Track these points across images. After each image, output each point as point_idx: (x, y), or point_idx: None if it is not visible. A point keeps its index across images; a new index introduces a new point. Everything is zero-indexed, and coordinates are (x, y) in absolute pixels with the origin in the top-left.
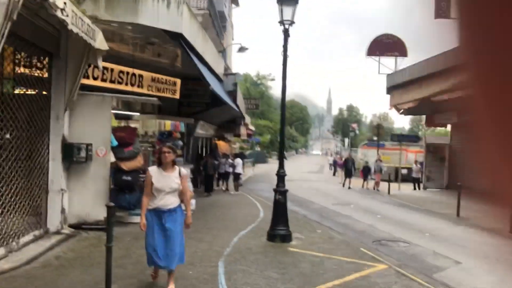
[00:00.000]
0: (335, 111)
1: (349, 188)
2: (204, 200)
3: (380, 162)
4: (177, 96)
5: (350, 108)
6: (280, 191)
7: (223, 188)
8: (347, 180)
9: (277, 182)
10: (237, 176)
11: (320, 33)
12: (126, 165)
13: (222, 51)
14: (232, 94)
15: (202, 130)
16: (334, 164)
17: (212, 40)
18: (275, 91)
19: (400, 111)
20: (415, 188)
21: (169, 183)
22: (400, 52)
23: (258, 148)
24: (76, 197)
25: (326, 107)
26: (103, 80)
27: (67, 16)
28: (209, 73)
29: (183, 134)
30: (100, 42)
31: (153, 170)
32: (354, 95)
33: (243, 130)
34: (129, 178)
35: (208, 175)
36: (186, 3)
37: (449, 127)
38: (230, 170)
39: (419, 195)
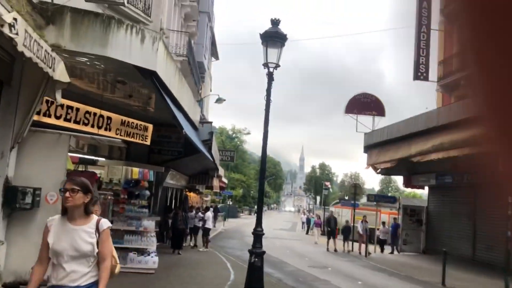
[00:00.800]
0: (307, 169)
1: (335, 251)
2: (169, 258)
3: (366, 222)
4: (147, 142)
5: (323, 166)
6: (257, 253)
7: (191, 244)
8: (331, 241)
9: (254, 241)
10: (206, 232)
11: (294, 94)
12: None
13: (199, 101)
14: (207, 144)
15: (173, 180)
16: (307, 223)
17: (189, 88)
18: (250, 146)
19: (378, 171)
20: (382, 251)
21: (74, 242)
22: (378, 112)
23: (230, 202)
24: (16, 251)
25: (299, 164)
26: (67, 119)
27: (17, 34)
28: (184, 119)
29: (152, 184)
30: (60, 73)
31: (54, 221)
32: (327, 153)
33: (216, 182)
34: None
35: (176, 230)
36: (163, 40)
37: (426, 189)
38: (200, 224)
39: (396, 259)
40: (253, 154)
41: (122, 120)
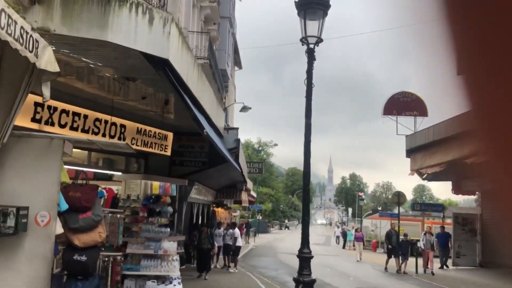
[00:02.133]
0: (336, 180)
1: (398, 272)
2: (194, 284)
3: (431, 235)
4: (168, 153)
5: (353, 177)
6: (305, 282)
7: (219, 266)
8: (392, 260)
9: (300, 266)
10: (236, 251)
11: (317, 104)
12: (79, 239)
13: (224, 110)
14: (234, 152)
15: (198, 194)
16: (343, 236)
17: (211, 89)
18: (276, 159)
19: (423, 176)
20: (426, 265)
21: None
22: (419, 111)
23: (259, 217)
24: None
25: (327, 176)
26: (73, 128)
27: None
28: (206, 122)
29: (175, 199)
30: (47, 61)
31: None
32: (355, 164)
33: (244, 196)
34: (83, 258)
35: (201, 250)
36: (176, 23)
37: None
38: (231, 242)
39: (453, 275)
40: (279, 167)
41: (138, 128)
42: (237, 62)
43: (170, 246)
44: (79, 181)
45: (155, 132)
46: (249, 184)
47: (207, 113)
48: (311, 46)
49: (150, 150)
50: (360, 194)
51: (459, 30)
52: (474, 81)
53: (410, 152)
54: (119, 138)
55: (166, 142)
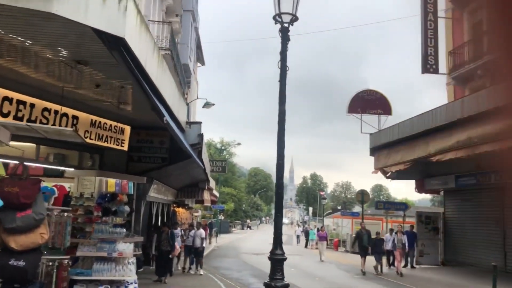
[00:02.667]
0: (297, 180)
1: (378, 272)
2: None
3: (402, 234)
4: (125, 147)
5: (314, 177)
6: (278, 287)
7: (180, 268)
8: (365, 260)
9: (272, 270)
10: (199, 252)
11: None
12: (17, 241)
13: (186, 105)
14: (197, 148)
15: (158, 193)
16: (306, 235)
17: (173, 79)
18: (239, 159)
19: (387, 175)
20: (389, 264)
21: None
22: (383, 110)
23: (221, 217)
24: None
25: (289, 176)
26: (18, 118)
27: None
28: (167, 114)
29: (132, 198)
30: None
31: None
32: (316, 164)
33: (207, 196)
34: (21, 263)
35: (160, 252)
36: (134, 0)
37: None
38: (197, 243)
39: (419, 275)
40: (242, 168)
41: (92, 120)
42: (200, 58)
43: (126, 247)
44: (21, 175)
45: (110, 125)
46: (212, 183)
47: (167, 104)
48: (285, 24)
49: (105, 144)
50: (321, 193)
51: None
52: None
53: (374, 151)
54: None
55: (123, 136)
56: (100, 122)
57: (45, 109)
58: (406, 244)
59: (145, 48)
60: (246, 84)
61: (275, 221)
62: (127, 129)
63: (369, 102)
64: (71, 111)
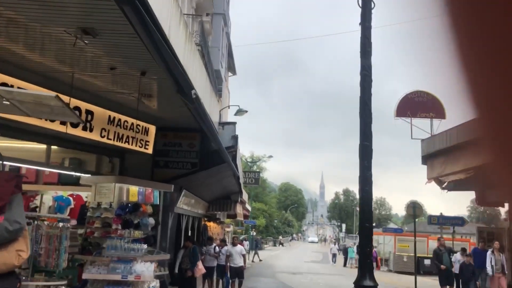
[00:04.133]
0: (327, 196)
1: None
2: None
3: (500, 254)
4: (149, 150)
5: (347, 192)
6: None
7: None
8: None
9: None
10: (240, 273)
11: (307, 120)
12: None
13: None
14: (231, 152)
15: (187, 204)
16: (344, 253)
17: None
18: (269, 174)
19: (443, 185)
20: None
21: None
22: (436, 113)
23: (253, 233)
24: None
25: (319, 192)
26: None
27: None
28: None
29: (157, 209)
30: None
31: None
32: (347, 180)
33: (239, 209)
34: None
35: (180, 271)
36: None
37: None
38: (223, 262)
39: None
40: (271, 183)
41: (110, 116)
42: (231, 67)
43: (146, 269)
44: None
45: (132, 124)
46: (244, 196)
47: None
48: None
49: (126, 146)
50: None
51: (463, 31)
52: (479, 84)
53: (427, 158)
54: (84, 127)
55: (147, 137)
56: (120, 120)
57: None
58: (505, 267)
59: (167, 10)
60: (271, 98)
61: (361, 234)
62: (152, 129)
63: (420, 105)
64: (84, 105)
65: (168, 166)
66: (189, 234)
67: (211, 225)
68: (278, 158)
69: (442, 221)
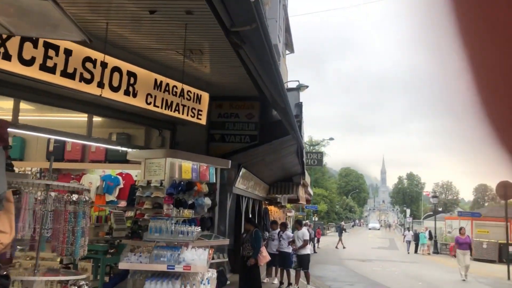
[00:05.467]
0: (389, 182)
1: None
2: None
3: None
4: (203, 121)
5: (411, 177)
6: None
7: (274, 282)
8: None
9: None
10: (305, 261)
11: (365, 103)
12: None
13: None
14: (296, 122)
15: (246, 185)
16: (416, 239)
17: None
18: (328, 159)
19: None
20: None
21: None
22: None
23: (315, 218)
24: None
25: (380, 177)
26: (46, 69)
27: None
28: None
29: (213, 188)
30: None
31: None
32: (409, 164)
33: (301, 193)
34: None
35: (242, 259)
36: None
37: None
38: (290, 249)
39: None
40: (330, 169)
41: (156, 80)
42: (289, 44)
43: (197, 257)
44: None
45: (182, 90)
46: (307, 178)
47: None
48: None
49: (176, 115)
50: (427, 193)
51: (469, 26)
52: (484, 76)
53: None
54: (126, 92)
55: (199, 105)
56: (168, 84)
57: (88, 59)
58: None
59: None
60: (326, 81)
61: None
62: (205, 96)
63: None
64: (125, 65)
65: (224, 140)
66: (250, 216)
67: (272, 209)
68: (337, 143)
69: None
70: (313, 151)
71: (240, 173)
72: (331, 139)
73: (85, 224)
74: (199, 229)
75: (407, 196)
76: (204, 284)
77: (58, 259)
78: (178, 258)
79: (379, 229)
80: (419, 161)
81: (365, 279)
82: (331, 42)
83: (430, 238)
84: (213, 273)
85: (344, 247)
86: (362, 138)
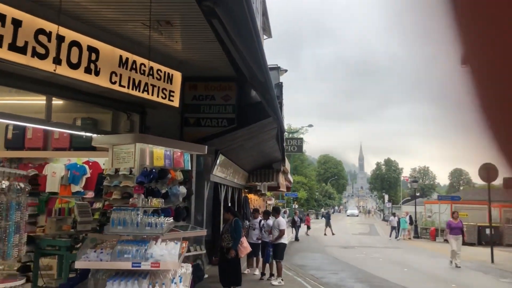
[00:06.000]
0: (367, 168)
1: None
2: None
3: None
4: (175, 103)
5: (389, 162)
6: None
7: (255, 273)
8: None
9: None
10: (279, 251)
11: (342, 90)
12: None
13: None
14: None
15: (224, 173)
16: (398, 224)
17: None
18: (307, 146)
19: None
20: None
21: None
22: None
23: (295, 206)
24: None
25: (358, 164)
26: None
27: None
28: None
29: (188, 176)
30: None
31: None
32: (386, 151)
33: (282, 180)
34: None
35: (222, 250)
36: None
37: None
38: (268, 239)
39: None
40: (312, 154)
41: (121, 57)
42: (266, 29)
43: (167, 252)
44: None
45: (152, 68)
46: (287, 165)
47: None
48: None
49: (145, 96)
50: (405, 178)
51: (464, 23)
52: (478, 72)
53: None
54: (87, 69)
55: (171, 86)
56: (135, 62)
57: (41, 31)
58: None
59: None
60: (302, 69)
61: None
62: (177, 76)
63: None
64: (85, 39)
65: (199, 123)
66: (229, 205)
67: (252, 197)
68: (315, 131)
69: None
70: (293, 137)
71: (218, 160)
72: (310, 125)
73: (20, 218)
74: (171, 220)
75: (385, 182)
76: (175, 283)
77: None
78: (145, 254)
79: (357, 216)
80: (396, 147)
81: (349, 266)
82: (306, 29)
83: (411, 223)
84: (187, 269)
85: (333, 234)
86: (339, 125)
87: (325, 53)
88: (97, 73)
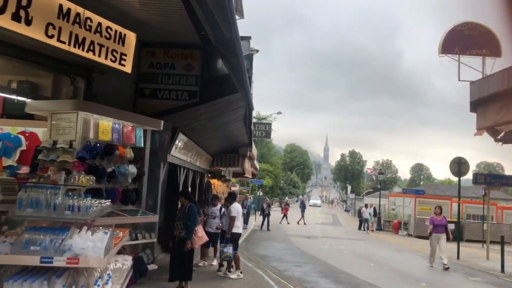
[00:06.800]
0: (331, 159)
1: None
2: None
3: None
4: (127, 69)
5: (353, 154)
6: None
7: (213, 263)
8: None
9: None
10: (233, 241)
11: (310, 80)
12: None
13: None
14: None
15: (185, 154)
16: (360, 216)
17: None
18: (274, 135)
19: (499, 136)
20: None
21: None
22: (490, 49)
23: (260, 193)
24: None
25: (323, 154)
26: None
27: None
28: None
29: (142, 154)
30: None
31: None
32: (350, 142)
33: (247, 165)
34: None
35: (174, 240)
36: None
37: None
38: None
39: None
40: (279, 142)
41: (61, 6)
42: (239, 9)
43: (92, 244)
44: None
45: (100, 24)
46: (254, 151)
47: None
48: None
49: (90, 56)
50: (369, 170)
51: None
52: None
53: (477, 104)
54: (15, 16)
55: (123, 48)
56: (78, 15)
57: None
58: None
59: None
60: (272, 57)
61: None
62: (131, 36)
63: (470, 39)
64: None
65: (156, 95)
66: (189, 190)
67: (215, 183)
68: (282, 120)
69: (490, 181)
70: (261, 122)
71: (178, 140)
72: (279, 113)
73: None
74: (108, 203)
75: (349, 173)
76: (99, 285)
77: None
78: (61, 246)
79: (320, 206)
80: (361, 140)
81: (313, 258)
82: (277, 14)
83: (375, 215)
84: (124, 264)
85: (305, 223)
86: (307, 115)
87: (295, 42)
88: (28, 22)
